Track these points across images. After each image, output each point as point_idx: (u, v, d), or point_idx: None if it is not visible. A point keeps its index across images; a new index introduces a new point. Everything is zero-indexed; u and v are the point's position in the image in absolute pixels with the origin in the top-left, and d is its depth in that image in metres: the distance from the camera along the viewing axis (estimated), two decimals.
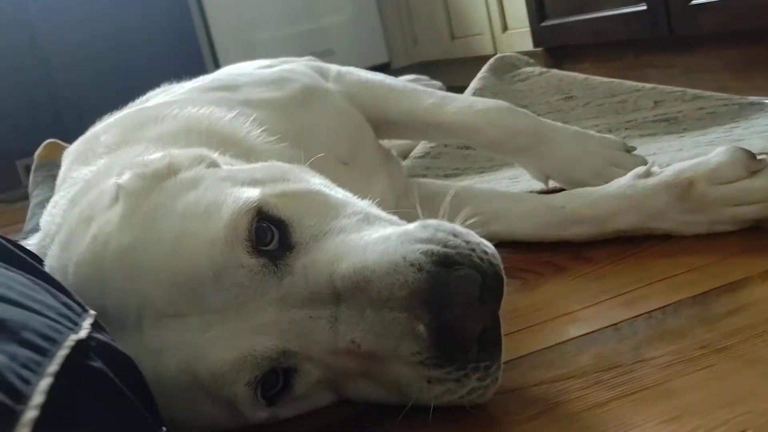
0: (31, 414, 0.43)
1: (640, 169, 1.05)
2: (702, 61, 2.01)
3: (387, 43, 4.10)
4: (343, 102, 1.17)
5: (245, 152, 0.90)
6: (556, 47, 2.69)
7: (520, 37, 2.86)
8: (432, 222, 0.70)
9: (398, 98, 1.23)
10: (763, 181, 0.96)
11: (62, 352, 0.48)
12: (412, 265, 0.64)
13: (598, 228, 1.05)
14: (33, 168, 1.93)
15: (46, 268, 0.70)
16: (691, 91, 1.67)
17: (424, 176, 1.55)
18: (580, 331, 0.81)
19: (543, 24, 2.66)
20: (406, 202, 1.24)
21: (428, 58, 3.91)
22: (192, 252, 0.66)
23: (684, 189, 0.99)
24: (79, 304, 0.60)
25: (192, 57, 3.91)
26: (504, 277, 0.67)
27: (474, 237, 0.69)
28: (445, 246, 0.66)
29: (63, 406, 0.46)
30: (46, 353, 0.47)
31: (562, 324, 0.84)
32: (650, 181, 1.03)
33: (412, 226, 0.70)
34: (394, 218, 0.78)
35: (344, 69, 1.27)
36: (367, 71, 1.28)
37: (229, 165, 0.81)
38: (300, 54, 3.78)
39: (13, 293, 0.52)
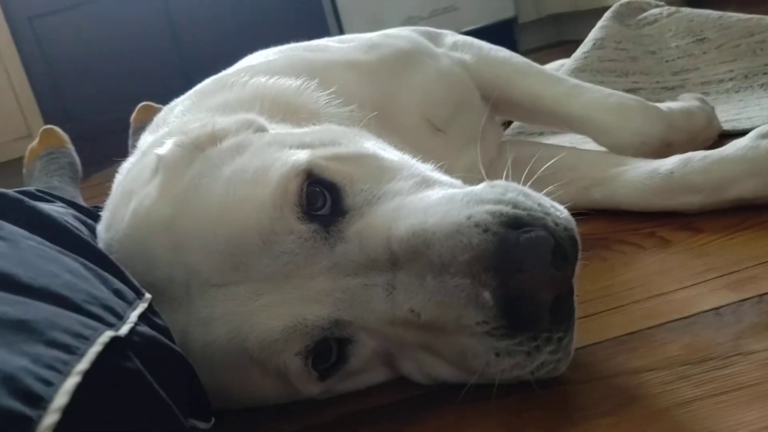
0: (50, 419, 0.40)
1: (764, 127, 0.91)
2: None
3: None
4: (452, 66, 1.12)
5: (309, 117, 0.87)
6: None
7: None
8: (500, 182, 0.64)
9: (524, 79, 1.16)
10: None
11: (94, 349, 0.46)
12: (477, 225, 0.58)
13: (712, 197, 0.93)
14: (130, 133, 1.98)
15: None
16: None
17: (519, 134, 1.46)
18: (673, 315, 0.71)
19: None
20: (499, 164, 1.16)
21: (557, 11, 3.70)
22: (239, 218, 0.64)
23: None
24: (134, 287, 0.59)
25: (313, 12, 3.93)
26: (579, 242, 0.61)
27: (547, 200, 0.63)
28: (515, 207, 0.60)
29: (90, 409, 0.43)
30: (75, 351, 0.45)
31: (656, 305, 0.74)
32: None
33: (479, 186, 0.65)
34: (457, 182, 0.72)
35: (463, 38, 1.22)
36: (492, 45, 1.21)
37: (279, 129, 0.78)
38: (422, 9, 3.73)
39: (56, 283, 0.51)
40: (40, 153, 1.76)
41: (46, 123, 4.17)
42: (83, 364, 0.45)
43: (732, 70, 1.53)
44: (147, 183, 0.73)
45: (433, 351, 0.64)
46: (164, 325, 0.60)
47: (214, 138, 0.73)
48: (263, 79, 0.93)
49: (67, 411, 0.41)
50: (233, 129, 0.75)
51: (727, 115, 1.35)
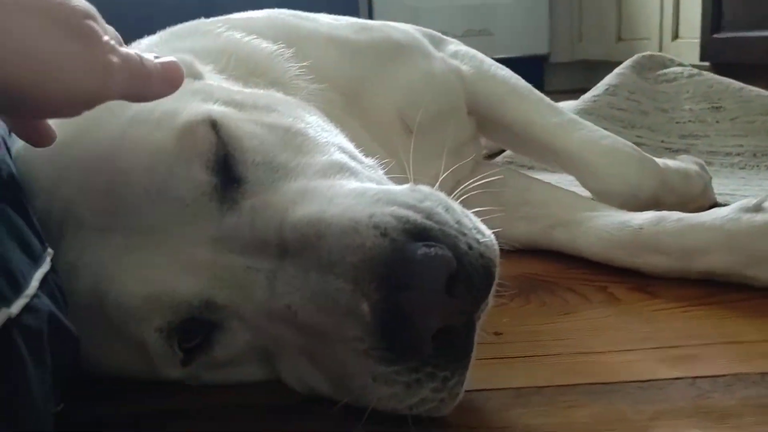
0: None
1: (749, 201, 0.83)
2: None
3: (550, 34, 3.83)
4: (445, 72, 1.04)
5: (272, 84, 0.80)
6: (726, 64, 2.36)
7: (689, 47, 2.54)
8: (425, 188, 0.56)
9: (520, 102, 1.07)
10: None
11: None
12: (376, 227, 0.50)
13: (680, 263, 0.84)
14: None
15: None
16: None
17: (509, 163, 1.37)
18: (593, 378, 0.62)
19: (716, 36, 2.33)
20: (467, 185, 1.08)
21: (590, 57, 3.62)
22: (129, 158, 0.56)
23: None
24: (39, 236, 0.53)
25: (348, 14, 3.86)
26: (495, 275, 0.53)
27: (472, 220, 0.55)
28: (428, 217, 0.52)
29: None
30: None
31: (578, 363, 0.66)
32: (758, 217, 0.81)
33: (399, 187, 0.57)
34: (387, 180, 0.64)
35: (465, 49, 1.14)
36: (495, 62, 1.13)
37: (221, 83, 0.71)
38: (457, 27, 3.66)
39: None
40: None
41: None
42: None
43: (742, 145, 1.46)
44: None
45: (312, 358, 0.56)
46: (61, 284, 0.54)
47: None
48: (238, 35, 0.86)
49: None
50: None
51: (724, 189, 1.27)
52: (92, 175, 0.57)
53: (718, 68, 2.42)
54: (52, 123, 0.60)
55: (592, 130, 1.05)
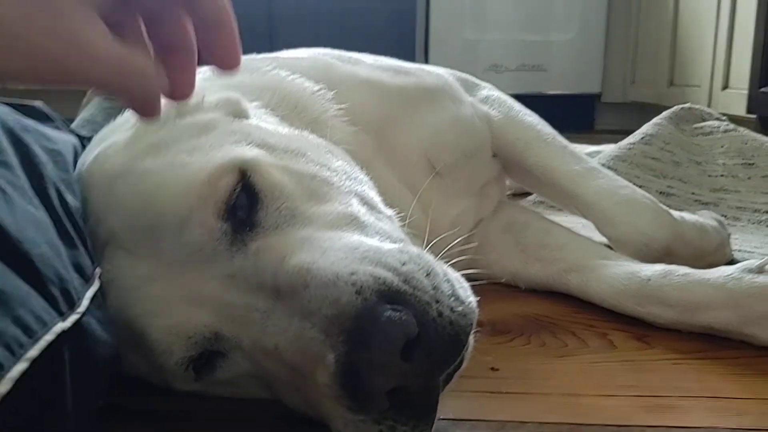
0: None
1: (752, 262, 0.87)
2: None
3: (604, 74, 3.85)
4: (473, 117, 1.10)
5: (311, 123, 0.87)
6: None
7: (737, 98, 2.54)
8: (414, 251, 0.60)
9: (543, 148, 1.12)
10: None
11: (48, 337, 0.50)
12: (353, 284, 0.54)
13: (682, 315, 0.89)
14: (84, 102, 2.04)
15: None
16: None
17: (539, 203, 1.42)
18: (567, 419, 0.68)
19: (762, 89, 2.33)
20: (490, 224, 1.14)
21: (641, 99, 3.63)
22: (166, 197, 0.63)
23: None
24: (91, 256, 0.63)
25: (404, 42, 3.96)
26: (464, 343, 0.56)
27: (452, 287, 0.58)
28: (406, 281, 0.55)
29: (29, 393, 0.47)
30: (32, 335, 0.49)
31: (559, 404, 0.71)
32: (760, 279, 0.85)
33: (389, 246, 0.61)
34: (398, 233, 0.70)
35: (497, 94, 1.20)
36: (524, 108, 1.19)
37: (262, 121, 0.78)
38: (511, 61, 3.71)
39: (35, 252, 0.53)
40: None
41: None
42: (34, 351, 0.48)
43: None
44: (123, 131, 0.74)
45: (302, 394, 0.61)
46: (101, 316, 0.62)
47: (194, 109, 0.74)
48: (283, 74, 0.94)
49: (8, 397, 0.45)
50: (213, 105, 0.76)
51: (747, 246, 1.29)
52: (135, 208, 0.65)
53: (764, 121, 2.42)
54: (114, 150, 0.69)
55: (612, 179, 1.10)
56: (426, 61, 3.84)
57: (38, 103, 0.90)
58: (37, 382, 0.48)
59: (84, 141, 0.86)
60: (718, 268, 0.89)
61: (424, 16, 3.91)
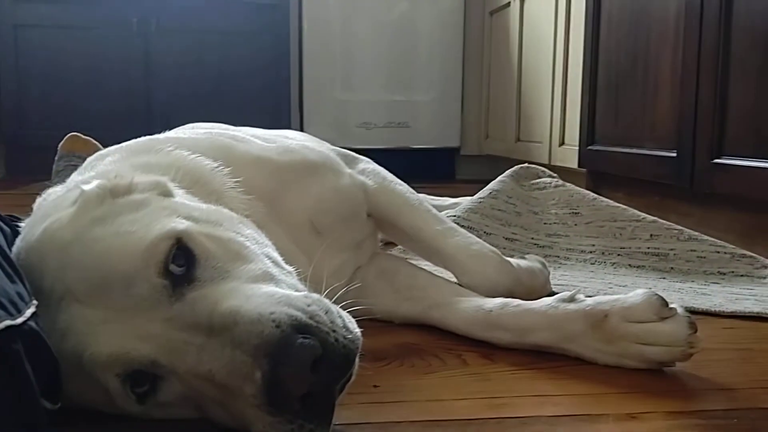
0: None
1: (565, 294, 1.14)
2: (715, 218, 2.05)
3: (462, 130, 4.27)
4: (351, 186, 1.31)
5: (212, 194, 1.04)
6: (598, 172, 2.78)
7: (572, 154, 2.96)
8: (315, 297, 0.81)
9: (412, 213, 1.38)
10: (669, 327, 1.04)
11: None
12: (273, 321, 0.74)
13: (516, 337, 1.15)
14: (56, 158, 2.17)
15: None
16: (687, 231, 1.75)
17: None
18: (429, 417, 0.91)
19: (590, 147, 2.76)
20: (367, 270, 1.37)
21: (494, 153, 4.06)
22: (114, 260, 0.80)
23: (598, 319, 1.08)
24: (29, 293, 0.78)
25: (280, 103, 4.20)
26: (353, 361, 0.78)
27: (344, 321, 0.79)
28: (311, 317, 0.76)
29: None
30: None
31: (425, 407, 0.94)
32: (571, 306, 1.12)
33: (297, 293, 0.82)
34: (299, 285, 0.90)
35: (373, 166, 1.43)
36: (395, 178, 1.43)
37: (183, 199, 0.97)
38: (379, 119, 4.04)
39: None
40: None
41: (2, 123, 4.29)
42: None
43: (593, 245, 1.81)
44: (64, 209, 0.90)
45: (227, 409, 0.80)
46: (41, 325, 0.77)
47: (127, 190, 0.91)
48: (185, 153, 1.10)
49: None
50: (144, 187, 0.92)
51: (573, 280, 1.60)
52: (88, 268, 0.81)
53: (593, 175, 2.84)
54: (60, 223, 0.86)
55: (466, 236, 1.37)
56: (301, 119, 4.08)
57: None
58: None
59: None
60: (542, 299, 1.16)
61: (298, 79, 4.17)
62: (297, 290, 0.86)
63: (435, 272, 1.37)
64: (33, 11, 4.35)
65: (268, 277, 0.85)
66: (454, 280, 1.34)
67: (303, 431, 0.74)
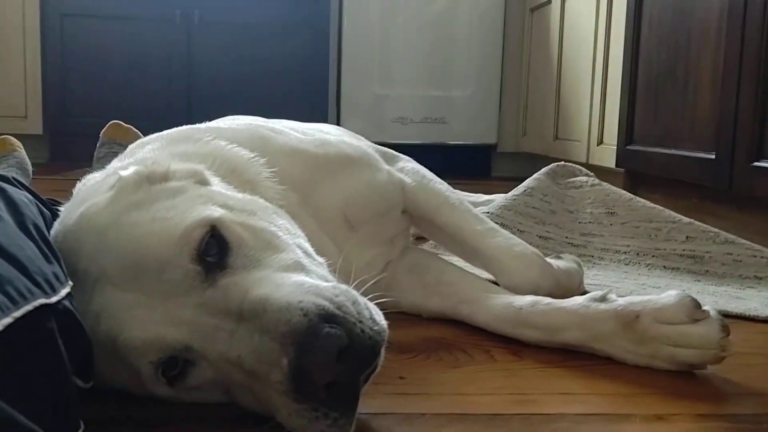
0: None
1: (597, 293, 1.13)
2: (753, 222, 2.01)
3: (499, 127, 4.25)
4: (387, 183, 1.32)
5: (246, 183, 1.06)
6: (636, 172, 2.74)
7: (610, 153, 2.93)
8: (343, 287, 0.82)
9: (452, 211, 1.37)
10: (701, 330, 1.03)
11: (28, 306, 0.67)
12: (301, 310, 0.75)
13: (546, 335, 1.14)
14: (98, 144, 2.24)
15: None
16: (724, 234, 1.72)
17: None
18: (455, 410, 0.91)
19: (628, 147, 2.72)
20: (397, 265, 1.37)
21: (531, 150, 4.03)
22: (149, 245, 0.82)
23: (630, 320, 1.07)
24: (65, 273, 0.80)
25: (317, 96, 4.23)
26: (378, 352, 0.78)
27: (371, 312, 0.80)
28: (338, 308, 0.77)
29: (11, 343, 0.63)
30: (17, 303, 0.66)
31: (450, 400, 0.94)
32: (602, 305, 1.11)
33: (325, 284, 0.83)
34: (329, 276, 0.91)
35: (413, 165, 1.43)
36: (435, 176, 1.43)
37: (219, 187, 0.99)
38: (416, 114, 4.04)
39: (22, 254, 0.72)
40: None
41: (45, 111, 4.40)
42: (18, 312, 0.65)
43: (628, 245, 1.79)
44: (101, 195, 0.92)
45: (255, 394, 0.81)
46: (75, 306, 0.79)
47: (164, 177, 0.93)
48: (223, 143, 1.12)
49: None
50: (181, 174, 0.95)
51: (606, 280, 1.59)
52: (123, 252, 0.83)
53: (631, 175, 2.80)
54: (97, 207, 0.88)
55: (507, 237, 1.35)
56: (338, 113, 4.10)
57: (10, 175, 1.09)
58: (27, 335, 0.64)
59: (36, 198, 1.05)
60: (573, 298, 1.16)
61: (336, 72, 4.19)
62: (326, 281, 0.87)
63: (465, 268, 1.37)
64: (79, 1, 4.44)
65: (298, 267, 0.87)
66: (485, 276, 1.34)
67: (327, 419, 0.75)
